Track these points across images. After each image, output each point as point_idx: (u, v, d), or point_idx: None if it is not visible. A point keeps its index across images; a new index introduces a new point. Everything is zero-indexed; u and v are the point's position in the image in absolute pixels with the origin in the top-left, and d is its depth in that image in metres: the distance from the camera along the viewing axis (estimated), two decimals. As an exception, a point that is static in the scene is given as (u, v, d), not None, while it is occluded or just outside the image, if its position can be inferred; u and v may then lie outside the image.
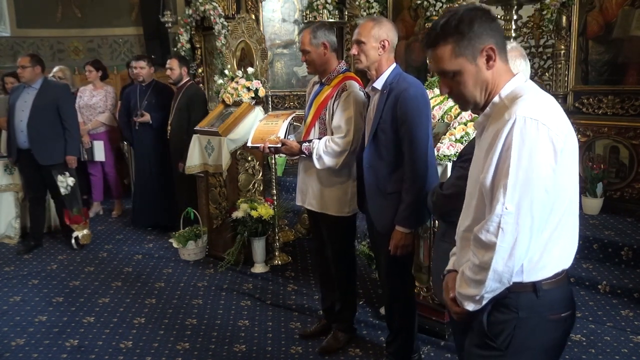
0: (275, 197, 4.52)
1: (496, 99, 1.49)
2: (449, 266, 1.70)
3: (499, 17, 3.96)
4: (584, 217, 4.41)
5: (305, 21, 5.99)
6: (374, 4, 5.75)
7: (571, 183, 1.48)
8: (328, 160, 2.76)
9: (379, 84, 2.54)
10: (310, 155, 2.79)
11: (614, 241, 3.95)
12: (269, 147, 2.93)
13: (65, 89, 5.08)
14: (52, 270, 4.50)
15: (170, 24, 6.85)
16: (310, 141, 2.83)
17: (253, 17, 5.61)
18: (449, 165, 2.92)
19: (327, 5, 5.88)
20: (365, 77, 2.73)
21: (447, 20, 1.47)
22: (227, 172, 4.34)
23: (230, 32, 4.79)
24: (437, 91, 3.33)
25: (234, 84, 4.45)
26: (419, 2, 5.30)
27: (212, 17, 5.35)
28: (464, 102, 1.55)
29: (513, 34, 4.00)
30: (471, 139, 2.65)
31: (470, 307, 1.49)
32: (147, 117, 5.14)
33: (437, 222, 2.91)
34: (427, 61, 4.19)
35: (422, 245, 3.14)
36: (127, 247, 5.01)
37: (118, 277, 4.30)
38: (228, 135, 4.27)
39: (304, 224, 4.94)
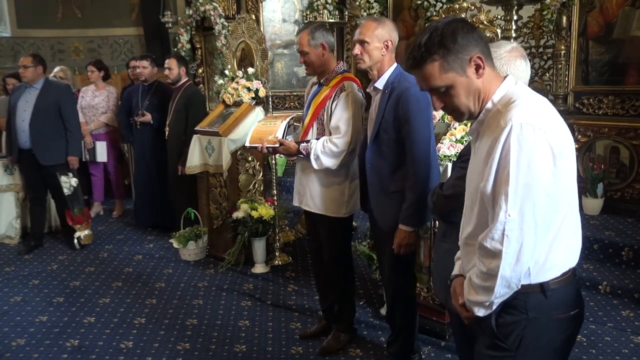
0: (275, 198, 4.52)
1: (489, 104, 1.50)
2: (455, 271, 1.70)
3: (499, 17, 3.96)
4: (584, 218, 4.41)
5: (306, 21, 5.99)
6: (374, 4, 5.75)
7: (571, 183, 1.48)
8: (326, 161, 2.76)
9: (380, 83, 2.55)
10: (308, 156, 2.80)
11: (615, 241, 3.95)
12: (266, 147, 2.93)
13: (67, 90, 5.08)
14: (52, 270, 4.50)
15: (170, 24, 6.85)
16: (308, 141, 2.83)
17: (253, 17, 5.61)
18: (449, 165, 2.92)
19: (328, 6, 5.88)
20: (366, 77, 2.74)
21: (429, 36, 1.46)
22: (228, 173, 4.34)
23: (231, 32, 4.79)
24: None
25: (234, 84, 4.45)
26: (419, 2, 5.31)
27: (212, 18, 5.36)
28: (458, 114, 1.54)
29: (513, 34, 4.00)
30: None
31: (480, 312, 1.50)
32: (148, 117, 5.14)
33: (437, 222, 2.92)
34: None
35: (422, 245, 3.14)
36: (128, 248, 5.01)
37: (118, 278, 4.30)
38: (228, 135, 4.28)
39: (304, 224, 4.94)
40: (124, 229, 5.60)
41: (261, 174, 4.59)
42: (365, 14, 5.74)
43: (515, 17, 4.01)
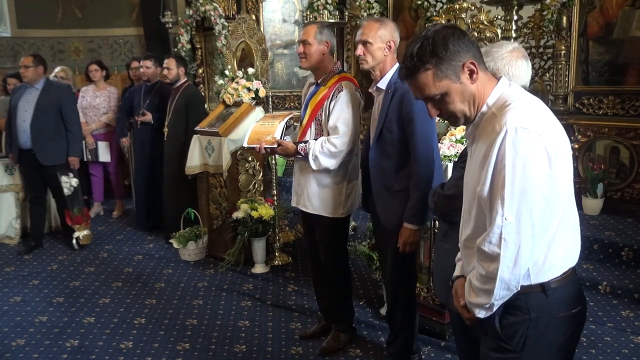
0: (275, 198, 4.52)
1: (484, 108, 1.50)
2: (457, 272, 1.71)
3: (499, 17, 3.96)
4: (584, 218, 4.41)
5: (306, 21, 6.00)
6: (375, 5, 5.76)
7: (567, 184, 1.49)
8: (324, 161, 2.76)
9: (383, 84, 2.57)
10: (306, 156, 2.80)
11: (615, 242, 3.95)
12: (264, 148, 2.93)
13: (68, 90, 5.08)
14: (52, 270, 4.50)
15: (170, 25, 6.84)
16: (306, 142, 2.83)
17: (253, 17, 5.61)
18: (450, 165, 2.93)
19: (328, 6, 5.89)
20: (366, 78, 2.74)
21: (420, 46, 1.46)
22: (228, 173, 4.34)
23: (231, 32, 4.80)
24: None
25: (234, 85, 4.45)
26: (419, 2, 5.31)
27: (212, 18, 5.36)
28: (454, 119, 1.55)
29: (513, 35, 4.00)
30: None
31: (481, 314, 1.51)
32: (148, 117, 5.13)
33: (437, 222, 2.92)
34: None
35: (422, 245, 3.14)
36: (128, 248, 5.01)
37: (118, 278, 4.30)
38: (228, 135, 4.28)
39: (302, 224, 4.94)
40: (124, 229, 5.60)
41: (261, 174, 4.59)
42: (365, 14, 5.75)
43: (515, 17, 4.01)
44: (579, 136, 4.74)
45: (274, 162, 4.55)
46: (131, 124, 5.37)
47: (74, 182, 4.85)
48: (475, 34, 3.38)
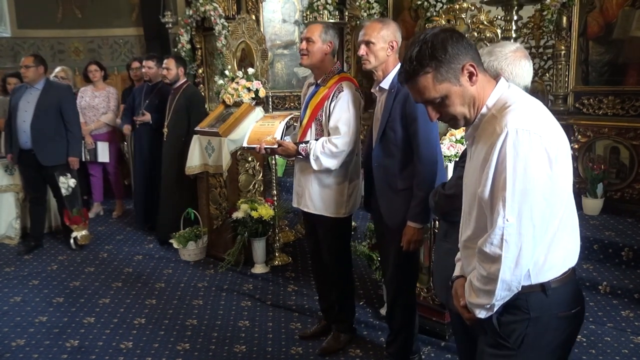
0: (275, 198, 4.52)
1: (484, 109, 1.51)
2: (456, 272, 1.72)
3: (499, 17, 3.96)
4: (584, 218, 4.41)
5: (306, 22, 6.00)
6: (374, 5, 5.76)
7: (567, 185, 1.50)
8: (326, 161, 2.76)
9: (386, 83, 2.58)
10: (307, 157, 2.80)
11: (615, 242, 3.95)
12: (265, 149, 2.93)
13: (68, 90, 5.08)
14: (52, 270, 4.50)
15: (170, 25, 6.85)
16: (307, 142, 2.84)
17: (253, 17, 5.62)
18: (450, 165, 2.93)
19: (328, 6, 5.89)
20: (366, 78, 2.75)
21: (419, 49, 1.46)
22: (228, 173, 4.34)
23: (231, 32, 4.80)
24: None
25: (234, 85, 4.45)
26: (419, 2, 5.31)
27: (212, 18, 5.36)
28: (455, 122, 1.55)
29: (513, 35, 4.00)
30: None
31: (481, 314, 1.52)
32: (147, 117, 5.13)
33: (437, 223, 2.92)
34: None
35: (422, 245, 3.13)
36: (128, 248, 5.01)
37: (118, 278, 4.30)
38: (228, 135, 4.28)
39: (304, 225, 4.94)
40: (124, 229, 5.60)
41: (261, 174, 4.59)
42: (365, 14, 5.75)
43: (515, 18, 4.02)
44: (579, 136, 4.74)
45: (273, 162, 4.55)
46: (132, 123, 5.37)
47: (72, 182, 4.84)
48: (475, 34, 3.38)
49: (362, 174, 2.92)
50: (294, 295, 3.89)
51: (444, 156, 2.94)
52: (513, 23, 3.99)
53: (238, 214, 4.24)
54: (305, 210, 2.98)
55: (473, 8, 3.57)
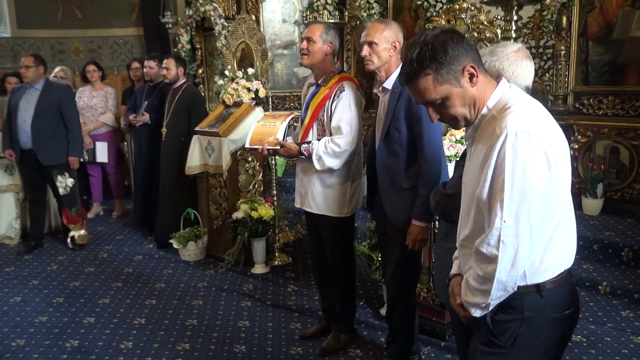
0: (275, 198, 4.52)
1: (484, 110, 1.51)
2: (454, 270, 1.72)
3: (499, 17, 3.96)
4: (584, 218, 4.42)
5: (306, 22, 6.00)
6: (374, 5, 5.76)
7: (565, 187, 1.50)
8: (328, 161, 2.76)
9: (389, 84, 2.58)
10: (309, 157, 2.80)
11: (614, 242, 3.95)
12: (267, 149, 2.93)
13: (68, 90, 5.08)
14: (52, 270, 4.50)
15: (170, 25, 6.85)
16: (309, 142, 2.84)
17: (253, 17, 5.62)
18: (450, 165, 2.93)
19: (328, 6, 5.89)
20: (366, 78, 2.75)
21: (419, 51, 1.46)
22: (228, 173, 4.34)
23: (231, 32, 4.80)
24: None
25: (234, 85, 4.45)
26: (419, 2, 5.31)
27: (212, 18, 5.36)
28: (455, 123, 1.56)
29: (513, 35, 4.00)
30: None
31: (477, 313, 1.53)
32: (146, 118, 5.12)
33: (437, 223, 2.92)
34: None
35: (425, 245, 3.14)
36: (128, 248, 5.01)
37: (118, 278, 4.30)
38: (228, 136, 4.28)
39: (304, 225, 4.93)
40: (124, 229, 5.60)
41: (261, 175, 4.59)
42: (365, 14, 5.75)
43: (515, 18, 4.01)
44: (579, 136, 4.74)
45: (273, 162, 4.55)
46: (132, 124, 5.37)
47: (70, 182, 4.84)
48: (475, 34, 3.38)
49: (365, 173, 2.93)
50: (294, 295, 3.89)
51: (444, 156, 2.95)
52: (513, 23, 3.98)
53: (238, 214, 4.24)
54: (308, 210, 2.98)
55: (473, 8, 3.57)
